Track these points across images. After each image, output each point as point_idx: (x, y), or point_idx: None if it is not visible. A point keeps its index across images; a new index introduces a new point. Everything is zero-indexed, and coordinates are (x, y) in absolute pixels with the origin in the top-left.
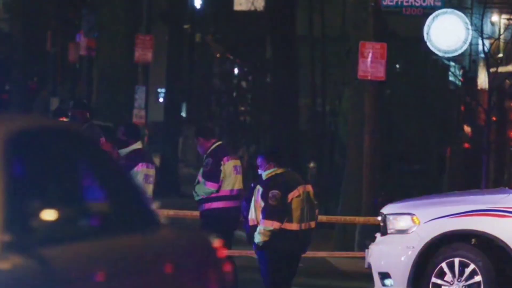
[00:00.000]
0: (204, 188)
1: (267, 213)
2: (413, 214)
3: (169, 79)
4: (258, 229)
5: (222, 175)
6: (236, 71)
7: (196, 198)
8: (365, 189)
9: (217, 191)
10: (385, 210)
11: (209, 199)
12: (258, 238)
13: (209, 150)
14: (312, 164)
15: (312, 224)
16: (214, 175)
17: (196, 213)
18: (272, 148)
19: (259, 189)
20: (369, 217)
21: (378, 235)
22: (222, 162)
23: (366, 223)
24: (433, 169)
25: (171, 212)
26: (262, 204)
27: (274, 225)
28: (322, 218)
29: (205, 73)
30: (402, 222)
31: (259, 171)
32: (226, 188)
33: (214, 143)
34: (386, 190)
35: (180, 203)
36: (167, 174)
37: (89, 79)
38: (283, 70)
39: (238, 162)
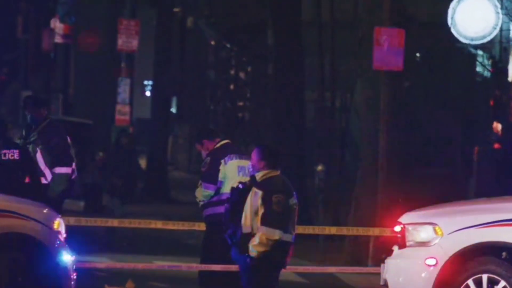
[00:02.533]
0: (201, 191)
1: (271, 220)
2: (435, 224)
3: (157, 70)
4: (257, 238)
5: (221, 175)
6: (233, 61)
7: (200, 204)
8: (381, 196)
9: (217, 193)
10: (404, 219)
11: (210, 204)
12: (256, 248)
13: (211, 150)
14: (320, 167)
15: (293, 235)
16: (211, 176)
17: (189, 224)
18: (264, 146)
19: (256, 192)
20: (385, 228)
21: (395, 248)
22: (222, 162)
23: (381, 234)
24: (459, 172)
25: (160, 224)
26: (261, 209)
27: (279, 234)
28: (331, 229)
29: (198, 63)
30: (423, 233)
31: (252, 172)
32: (228, 191)
33: (218, 142)
34: (405, 197)
35: (169, 211)
36: (154, 178)
37: (65, 70)
38: (287, 60)
39: (245, 163)
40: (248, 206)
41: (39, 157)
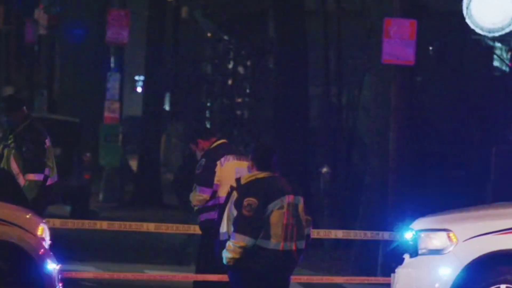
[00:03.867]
0: (196, 194)
1: (239, 225)
2: (450, 231)
3: (149, 64)
4: (227, 244)
5: (217, 178)
6: (231, 54)
7: (195, 209)
8: (391, 199)
9: (214, 197)
10: (416, 225)
11: (206, 209)
12: (227, 255)
13: (206, 150)
14: (325, 169)
15: (300, 244)
16: (206, 179)
17: (183, 227)
18: (258, 145)
19: (234, 195)
20: (395, 233)
21: (406, 256)
22: (218, 163)
23: (391, 239)
24: (475, 174)
25: (152, 227)
26: (235, 213)
27: (245, 240)
28: (338, 233)
29: (194, 57)
30: (436, 240)
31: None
32: (224, 195)
33: (214, 142)
34: (417, 201)
35: (162, 215)
36: (146, 181)
37: (50, 64)
38: (289, 53)
39: (243, 164)
40: (226, 211)
41: (12, 162)
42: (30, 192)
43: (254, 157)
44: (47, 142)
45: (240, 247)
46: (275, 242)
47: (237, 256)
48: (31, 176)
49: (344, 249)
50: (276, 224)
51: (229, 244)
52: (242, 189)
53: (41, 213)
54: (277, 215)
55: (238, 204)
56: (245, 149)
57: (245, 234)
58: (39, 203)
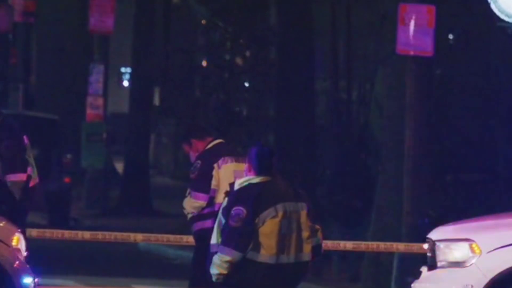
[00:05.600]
0: (191, 201)
1: (226, 237)
2: (472, 241)
3: (136, 55)
4: (213, 259)
5: (214, 182)
6: (228, 44)
7: (188, 217)
8: (407, 205)
9: (210, 204)
10: (434, 234)
11: (201, 216)
12: (213, 271)
13: (202, 151)
14: (332, 171)
15: (302, 256)
16: (201, 184)
17: (175, 238)
18: (256, 146)
19: (225, 202)
20: (411, 244)
21: (423, 269)
22: (215, 166)
23: (407, 252)
24: (500, 178)
25: (140, 237)
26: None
27: (232, 254)
28: (347, 244)
29: (186, 47)
30: (457, 252)
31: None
32: (222, 201)
33: (210, 142)
34: (436, 207)
35: (151, 224)
36: (134, 185)
37: (26, 54)
38: (293, 42)
39: (242, 167)
40: (217, 221)
41: None
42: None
43: (251, 159)
44: (25, 139)
45: (226, 261)
46: (268, 255)
47: (224, 271)
48: (12, 177)
49: (354, 261)
50: (269, 235)
51: (214, 257)
52: (232, 196)
53: (22, 219)
54: (270, 225)
55: (225, 213)
56: (243, 151)
57: (232, 247)
58: (21, 208)
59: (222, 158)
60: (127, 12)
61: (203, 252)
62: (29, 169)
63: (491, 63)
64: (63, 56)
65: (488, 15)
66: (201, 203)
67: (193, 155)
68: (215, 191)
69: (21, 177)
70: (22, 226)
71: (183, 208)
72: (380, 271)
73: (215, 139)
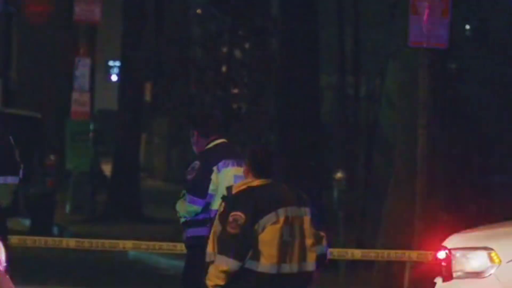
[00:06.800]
0: (185, 205)
1: (222, 245)
2: (491, 249)
3: (126, 47)
4: (209, 268)
5: (212, 187)
6: (226, 35)
7: (181, 221)
8: (419, 210)
9: (206, 210)
10: (450, 242)
11: (195, 222)
12: (209, 282)
13: (202, 150)
14: (339, 174)
15: (306, 266)
16: (198, 187)
17: (168, 246)
18: (255, 147)
19: (221, 207)
20: (424, 253)
21: (438, 280)
22: (214, 169)
23: (420, 261)
24: None
25: (129, 245)
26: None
27: (229, 264)
28: (355, 253)
29: (180, 39)
30: (475, 261)
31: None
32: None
33: (213, 140)
34: (451, 212)
35: (141, 231)
36: (123, 189)
37: (6, 46)
38: (296, 34)
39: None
40: (213, 227)
41: None
42: (3, 198)
43: (249, 161)
44: (11, 139)
45: (223, 271)
46: (267, 264)
47: (221, 282)
48: (5, 179)
49: (362, 271)
50: (270, 243)
51: (210, 268)
52: (230, 200)
53: (4, 226)
54: (270, 232)
55: (222, 219)
56: (243, 151)
57: (228, 256)
58: (8, 213)
59: (223, 161)
60: (116, 0)
61: (195, 262)
62: (20, 172)
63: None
64: (45, 48)
65: (507, 4)
66: (197, 208)
67: (195, 149)
68: (212, 196)
69: (13, 180)
70: (5, 233)
71: (176, 210)
72: (391, 282)
73: (218, 138)
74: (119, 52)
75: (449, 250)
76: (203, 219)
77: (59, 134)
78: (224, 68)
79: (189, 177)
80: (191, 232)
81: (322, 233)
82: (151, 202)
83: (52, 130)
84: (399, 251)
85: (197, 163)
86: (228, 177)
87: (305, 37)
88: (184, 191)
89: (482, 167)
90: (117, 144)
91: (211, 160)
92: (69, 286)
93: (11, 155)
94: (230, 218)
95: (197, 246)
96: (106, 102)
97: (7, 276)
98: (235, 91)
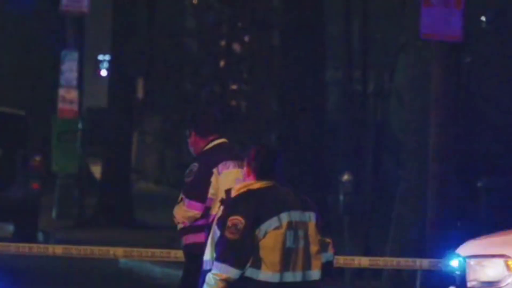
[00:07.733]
0: (183, 210)
1: (221, 251)
2: (508, 257)
3: (116, 40)
4: (207, 277)
5: (212, 191)
6: (224, 27)
7: (179, 227)
8: (431, 215)
9: (205, 215)
10: (464, 250)
11: (193, 229)
12: None
13: (200, 152)
14: (346, 176)
15: (311, 274)
16: (197, 191)
17: (161, 253)
18: (258, 146)
19: (220, 211)
20: (436, 261)
21: None
22: (214, 171)
23: (432, 269)
24: None
25: (120, 252)
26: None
27: (228, 272)
28: (362, 260)
29: (174, 31)
30: (491, 270)
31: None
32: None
33: (211, 141)
34: (466, 217)
35: (133, 237)
36: (113, 192)
37: None
38: (300, 26)
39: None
40: (211, 233)
41: None
42: None
43: (251, 161)
44: None
45: (222, 280)
46: (269, 273)
47: None
48: None
49: (370, 279)
50: (272, 249)
51: (209, 277)
52: (229, 204)
53: None
54: (273, 237)
55: (221, 224)
56: (242, 151)
57: (228, 264)
58: None
59: (223, 163)
60: None
61: (194, 270)
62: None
63: None
64: (30, 42)
65: None
66: (195, 213)
67: (191, 150)
68: (212, 200)
69: None
70: None
71: (173, 216)
72: None
73: (217, 138)
74: (109, 46)
75: (464, 257)
76: (202, 225)
77: (44, 133)
78: (222, 63)
79: (187, 180)
80: (190, 238)
81: (328, 240)
82: (143, 206)
83: (37, 129)
84: (410, 259)
85: (195, 165)
86: (229, 179)
87: (309, 29)
88: (182, 196)
89: (498, 168)
90: (107, 145)
91: (210, 161)
92: None
93: None
94: (229, 223)
95: (196, 254)
96: (95, 99)
97: None
98: (234, 87)
